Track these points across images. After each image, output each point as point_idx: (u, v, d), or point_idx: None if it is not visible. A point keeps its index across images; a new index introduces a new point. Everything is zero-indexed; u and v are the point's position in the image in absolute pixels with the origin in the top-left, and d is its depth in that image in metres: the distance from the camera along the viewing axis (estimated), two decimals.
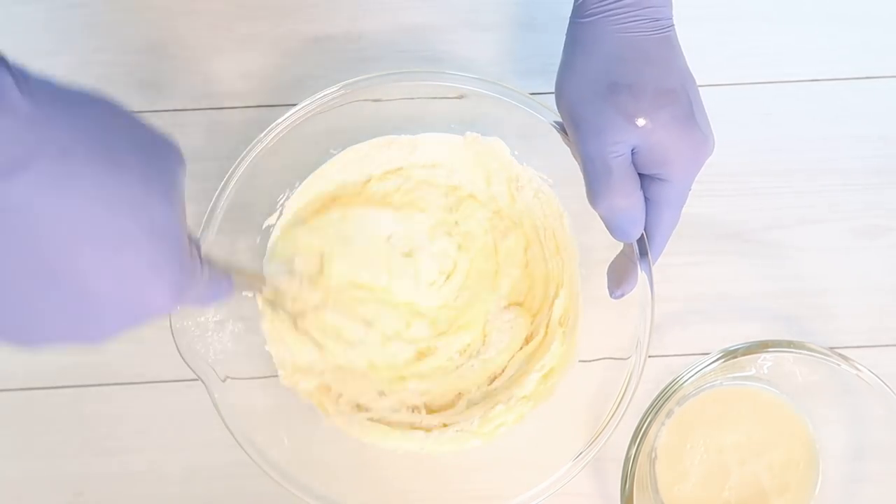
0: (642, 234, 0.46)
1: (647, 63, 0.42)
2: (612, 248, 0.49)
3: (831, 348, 0.49)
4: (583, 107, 0.43)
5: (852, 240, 0.56)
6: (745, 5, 0.58)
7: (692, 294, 0.56)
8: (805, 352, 0.49)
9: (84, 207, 0.29)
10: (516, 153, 0.53)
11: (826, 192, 0.57)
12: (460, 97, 0.50)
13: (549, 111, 0.48)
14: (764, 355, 0.51)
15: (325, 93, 0.48)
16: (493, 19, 0.58)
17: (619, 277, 0.48)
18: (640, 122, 0.41)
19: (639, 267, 0.47)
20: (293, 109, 0.48)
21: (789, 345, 0.49)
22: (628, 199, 0.43)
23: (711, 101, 0.56)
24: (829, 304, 0.56)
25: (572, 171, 0.51)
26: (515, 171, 0.54)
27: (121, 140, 0.30)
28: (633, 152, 0.42)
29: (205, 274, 0.36)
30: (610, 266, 0.49)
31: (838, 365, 0.49)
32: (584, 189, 0.49)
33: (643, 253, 0.46)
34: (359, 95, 0.48)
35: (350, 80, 0.48)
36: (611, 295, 0.49)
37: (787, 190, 0.57)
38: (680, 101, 0.42)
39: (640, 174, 0.44)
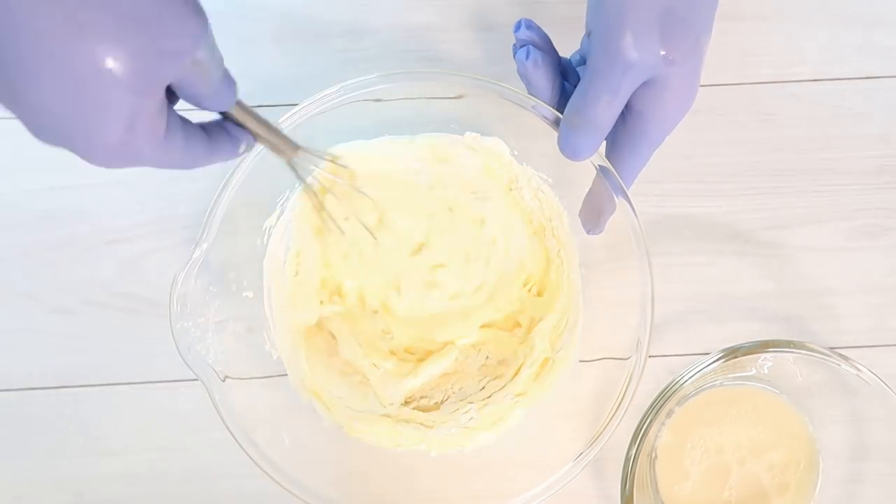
0: (611, 169, 0.46)
1: None
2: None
3: (831, 348, 0.49)
4: (626, 18, 0.41)
5: (852, 240, 0.56)
6: (746, 5, 0.58)
7: (692, 294, 0.56)
8: (805, 352, 0.49)
9: (40, 37, 0.29)
10: (516, 153, 0.53)
11: (826, 192, 0.57)
12: (460, 97, 0.50)
13: (549, 110, 0.48)
14: (764, 355, 0.51)
15: (325, 93, 0.48)
16: (493, 19, 0.58)
17: (595, 212, 0.48)
18: (672, 59, 0.41)
19: (613, 196, 0.47)
20: (293, 110, 0.48)
21: (790, 345, 0.49)
22: (608, 123, 0.43)
23: (711, 101, 0.57)
24: (829, 304, 0.56)
25: (572, 171, 0.51)
26: (515, 171, 0.54)
27: None
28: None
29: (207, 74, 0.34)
30: (582, 208, 0.49)
31: (838, 365, 0.49)
32: (583, 188, 0.49)
33: (618, 183, 0.47)
34: (359, 95, 0.48)
35: (350, 81, 0.48)
36: (588, 232, 0.49)
37: (787, 190, 0.57)
38: (703, 51, 0.43)
39: (628, 105, 0.44)
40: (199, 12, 0.33)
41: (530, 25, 0.46)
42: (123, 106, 0.31)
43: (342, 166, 0.49)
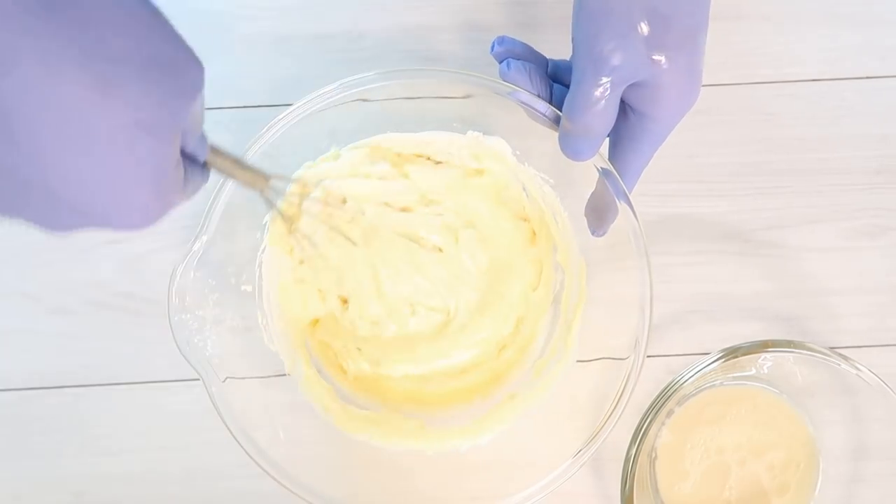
0: (613, 171, 0.46)
1: None
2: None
3: (831, 348, 0.49)
4: (607, 21, 0.41)
5: (852, 240, 0.56)
6: (746, 5, 0.58)
7: (692, 294, 0.56)
8: (805, 352, 0.49)
9: (67, 108, 0.28)
10: (517, 153, 0.53)
11: (826, 192, 0.57)
12: (467, 97, 0.50)
13: (550, 109, 0.48)
14: (764, 355, 0.51)
15: (324, 91, 0.48)
16: (493, 19, 0.58)
17: (599, 215, 0.48)
18: (659, 58, 0.41)
19: (616, 200, 0.47)
20: (292, 108, 0.48)
21: (789, 345, 0.49)
22: (604, 127, 0.43)
23: (711, 101, 0.57)
24: (829, 304, 0.56)
25: (572, 171, 0.51)
26: (517, 171, 0.53)
27: (123, 41, 0.29)
28: (632, 84, 0.42)
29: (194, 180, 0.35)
30: (586, 209, 0.49)
31: (838, 365, 0.49)
32: (584, 189, 0.49)
33: (619, 185, 0.47)
34: (358, 94, 0.48)
35: (349, 79, 0.48)
36: (593, 234, 0.49)
37: (787, 190, 0.57)
38: (697, 45, 0.42)
39: (628, 105, 0.44)
40: (195, 56, 0.32)
41: (502, 41, 0.47)
42: (156, 157, 0.31)
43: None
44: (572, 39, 0.43)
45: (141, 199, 0.31)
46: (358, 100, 0.48)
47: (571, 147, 0.45)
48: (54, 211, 0.31)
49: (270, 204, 0.41)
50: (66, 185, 0.30)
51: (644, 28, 0.41)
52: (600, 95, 0.42)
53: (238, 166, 0.39)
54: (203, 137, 0.35)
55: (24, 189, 0.29)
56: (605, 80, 0.41)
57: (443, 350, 0.53)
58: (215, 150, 0.37)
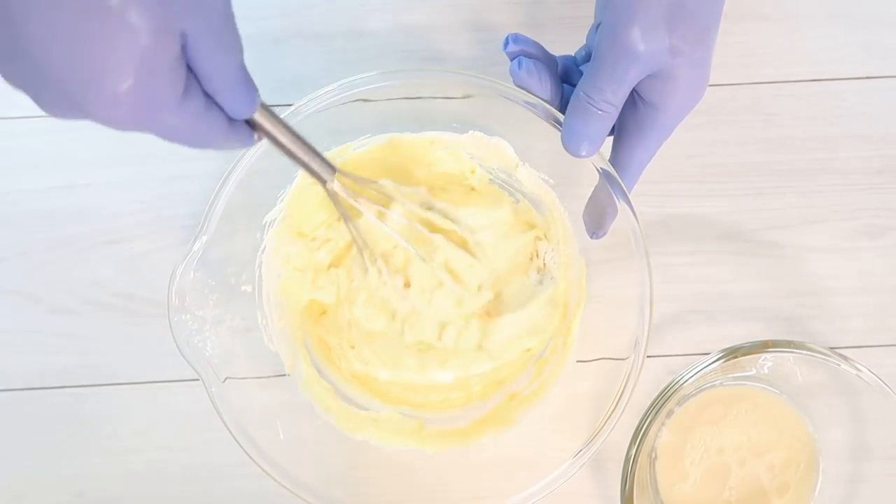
0: (612, 172, 0.46)
1: None
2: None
3: (831, 348, 0.49)
4: (637, 9, 0.42)
5: (852, 240, 0.56)
6: (746, 5, 0.58)
7: (692, 294, 0.56)
8: (805, 352, 0.49)
9: None
10: (517, 153, 0.53)
11: (826, 192, 0.57)
12: (466, 97, 0.50)
13: (551, 110, 0.48)
14: (764, 355, 0.51)
15: (324, 91, 0.48)
16: (494, 19, 0.58)
17: (598, 217, 0.48)
18: (679, 50, 0.42)
19: (615, 200, 0.47)
20: (292, 108, 0.48)
21: (790, 345, 0.49)
22: (613, 112, 0.44)
23: (711, 101, 0.57)
24: (830, 304, 0.56)
25: (572, 171, 0.51)
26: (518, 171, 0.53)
27: None
28: (647, 75, 0.43)
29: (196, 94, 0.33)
30: (584, 212, 0.50)
31: (838, 365, 0.49)
32: (584, 189, 0.49)
33: (619, 186, 0.47)
34: (358, 94, 0.48)
35: (349, 79, 0.48)
36: (591, 237, 0.49)
37: (788, 190, 0.57)
38: (711, 41, 0.43)
39: (638, 97, 0.44)
40: None
41: (517, 39, 0.47)
42: (134, 43, 0.30)
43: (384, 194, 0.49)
44: (598, 25, 0.44)
45: (115, 84, 0.30)
46: (358, 100, 0.48)
47: (574, 137, 0.45)
48: (36, 75, 0.30)
49: (333, 198, 0.43)
50: (40, 45, 0.29)
51: (669, 20, 0.41)
52: (618, 81, 0.43)
53: (302, 148, 0.39)
54: (240, 87, 0.35)
55: (10, 45, 0.29)
56: (625, 66, 0.42)
57: (425, 368, 0.52)
58: (272, 120, 0.37)
